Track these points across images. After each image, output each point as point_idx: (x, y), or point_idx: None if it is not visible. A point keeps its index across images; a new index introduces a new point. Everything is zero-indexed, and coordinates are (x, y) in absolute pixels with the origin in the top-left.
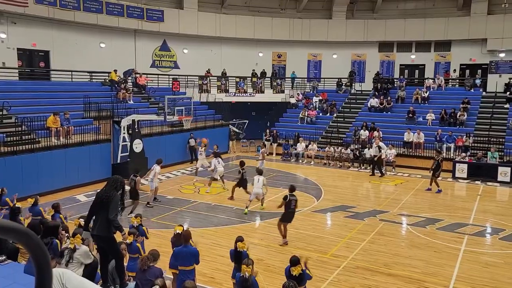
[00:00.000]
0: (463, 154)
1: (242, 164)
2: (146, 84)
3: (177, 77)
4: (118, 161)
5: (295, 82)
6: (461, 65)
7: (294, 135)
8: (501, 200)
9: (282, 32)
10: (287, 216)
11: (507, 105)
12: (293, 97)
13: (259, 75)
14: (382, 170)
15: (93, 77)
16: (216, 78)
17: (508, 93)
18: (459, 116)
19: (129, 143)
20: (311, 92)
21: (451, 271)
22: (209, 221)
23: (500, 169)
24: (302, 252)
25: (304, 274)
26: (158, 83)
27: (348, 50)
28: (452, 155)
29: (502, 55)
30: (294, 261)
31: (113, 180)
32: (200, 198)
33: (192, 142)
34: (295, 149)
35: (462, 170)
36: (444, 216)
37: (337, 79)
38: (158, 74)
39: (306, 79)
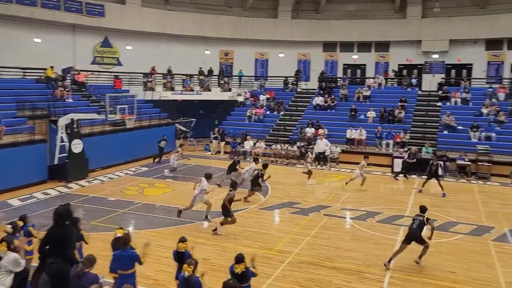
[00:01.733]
0: (401, 149)
1: (265, 166)
2: (85, 81)
3: (120, 74)
4: (56, 163)
5: (243, 80)
6: (399, 65)
7: (241, 133)
8: (434, 192)
9: (229, 30)
10: (406, 238)
11: (439, 103)
12: (240, 95)
13: (206, 73)
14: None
15: (26, 74)
16: (161, 75)
17: (440, 92)
18: (397, 114)
19: (67, 144)
20: (259, 90)
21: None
22: (153, 223)
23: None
24: (248, 250)
25: (248, 272)
26: (99, 80)
27: (294, 50)
28: (391, 150)
29: (435, 56)
30: (239, 259)
31: (59, 214)
32: (144, 199)
33: (163, 143)
34: (243, 147)
35: (399, 164)
36: (383, 209)
37: (284, 78)
38: (99, 71)
39: (253, 78)
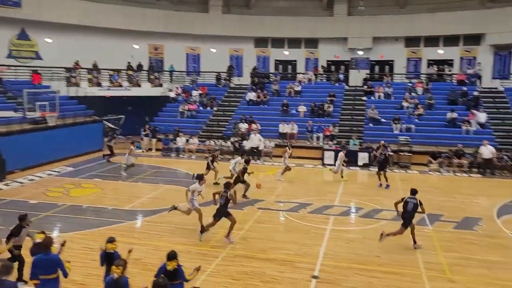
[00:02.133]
0: (330, 142)
1: (247, 162)
2: (0, 76)
3: (39, 69)
4: None
5: (174, 75)
6: (327, 61)
7: (174, 130)
8: (361, 182)
9: (158, 24)
10: (404, 219)
11: (365, 98)
12: (172, 91)
13: (135, 68)
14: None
15: None
16: (86, 70)
17: (365, 87)
18: (327, 108)
19: None
20: (191, 86)
21: (319, 249)
22: (80, 224)
23: (360, 154)
24: (182, 247)
25: (179, 270)
26: (16, 75)
27: (226, 45)
28: (321, 143)
29: (360, 52)
30: (171, 256)
31: None
32: (70, 200)
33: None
34: (175, 144)
35: (329, 157)
36: (314, 200)
37: (216, 73)
38: (16, 66)
39: (185, 73)
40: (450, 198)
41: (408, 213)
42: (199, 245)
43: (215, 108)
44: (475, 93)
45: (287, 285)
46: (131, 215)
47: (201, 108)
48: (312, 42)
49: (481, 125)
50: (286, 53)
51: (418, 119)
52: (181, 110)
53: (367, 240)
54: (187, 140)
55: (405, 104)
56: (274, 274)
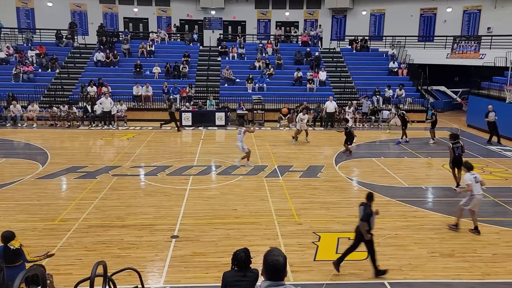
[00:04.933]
0: (188, 104)
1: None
2: None
3: None
4: None
5: (3, 33)
6: (180, 20)
7: (7, 96)
8: (219, 141)
9: None
10: (454, 162)
11: (219, 58)
12: (1, 50)
13: None
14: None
15: None
16: None
17: (220, 47)
18: (182, 69)
19: None
20: (25, 45)
21: (178, 210)
22: None
23: (217, 114)
24: (25, 225)
25: (21, 251)
26: None
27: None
28: (178, 105)
29: (213, 12)
30: (8, 237)
31: None
32: None
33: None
34: (11, 112)
35: (187, 118)
36: (173, 162)
37: (56, 31)
38: None
39: (16, 30)
40: (298, 150)
41: (459, 156)
42: (46, 221)
43: (57, 70)
44: (317, 54)
45: (146, 249)
46: None
47: (40, 70)
48: (163, 0)
49: (322, 82)
50: (135, 10)
51: (269, 79)
52: (14, 72)
53: (225, 196)
54: (25, 107)
55: (257, 64)
56: (132, 240)
